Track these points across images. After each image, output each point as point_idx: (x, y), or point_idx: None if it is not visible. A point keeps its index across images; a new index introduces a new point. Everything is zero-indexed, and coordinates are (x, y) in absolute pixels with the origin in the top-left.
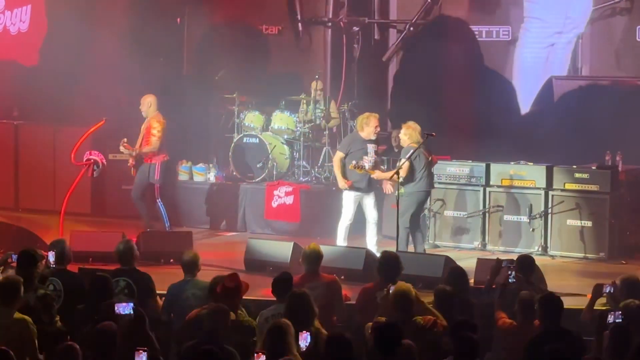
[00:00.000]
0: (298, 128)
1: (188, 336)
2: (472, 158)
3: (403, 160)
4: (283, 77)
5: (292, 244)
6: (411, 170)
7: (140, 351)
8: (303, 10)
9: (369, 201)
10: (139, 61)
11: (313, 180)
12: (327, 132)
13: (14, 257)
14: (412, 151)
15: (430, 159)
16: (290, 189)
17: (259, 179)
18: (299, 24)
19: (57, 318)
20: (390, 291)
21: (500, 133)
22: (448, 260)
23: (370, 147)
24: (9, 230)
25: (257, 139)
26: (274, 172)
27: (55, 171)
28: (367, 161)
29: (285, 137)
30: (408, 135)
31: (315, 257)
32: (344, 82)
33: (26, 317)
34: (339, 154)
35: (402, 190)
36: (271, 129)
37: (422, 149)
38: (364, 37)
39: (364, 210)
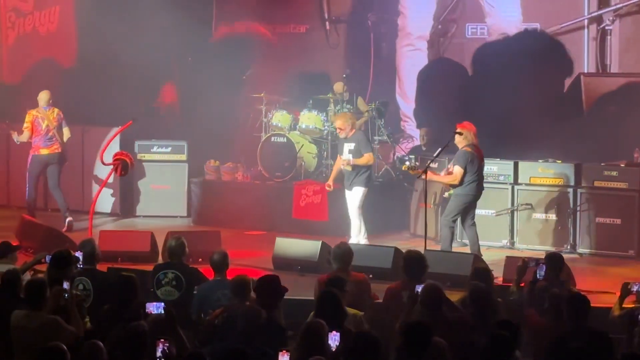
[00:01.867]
0: (326, 127)
1: (210, 337)
2: (500, 156)
3: (451, 164)
4: (311, 76)
5: (320, 242)
6: (464, 174)
7: (161, 341)
8: (330, 9)
9: (348, 198)
10: (167, 60)
11: (341, 179)
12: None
13: (48, 258)
14: (466, 156)
15: (482, 162)
16: (318, 187)
17: (286, 178)
18: (327, 23)
19: (87, 319)
20: (418, 290)
21: (527, 131)
22: (476, 258)
23: (345, 146)
24: (38, 230)
25: (285, 138)
26: (302, 171)
27: (83, 171)
28: (340, 159)
29: (313, 136)
30: (464, 136)
31: (345, 256)
32: (372, 81)
33: (57, 317)
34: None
35: (451, 191)
36: (299, 128)
37: (474, 152)
38: (391, 35)
39: None
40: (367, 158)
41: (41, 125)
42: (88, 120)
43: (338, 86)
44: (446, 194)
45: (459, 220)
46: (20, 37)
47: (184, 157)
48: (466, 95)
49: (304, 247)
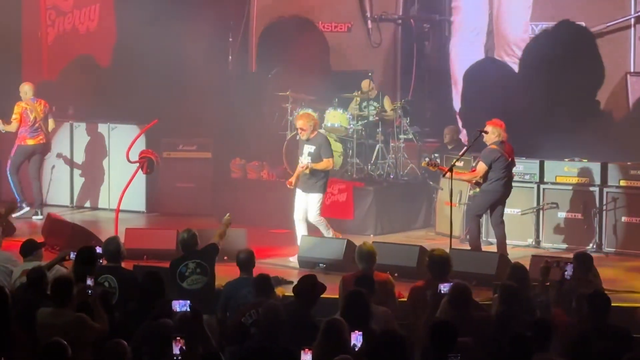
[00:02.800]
0: (351, 125)
1: (238, 335)
2: (526, 155)
3: (479, 161)
4: (344, 74)
5: (345, 241)
6: (489, 172)
7: (178, 340)
8: (373, 7)
9: (299, 199)
10: (193, 60)
11: (366, 178)
12: (380, 129)
13: (73, 255)
14: (492, 154)
15: (510, 160)
16: (343, 186)
17: None
18: (369, 22)
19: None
20: (442, 290)
21: (557, 129)
22: (502, 257)
23: (305, 148)
24: (65, 228)
25: None
26: None
27: (109, 169)
28: (300, 162)
29: (339, 134)
30: (497, 133)
31: (369, 256)
32: (414, 79)
33: (83, 314)
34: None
35: (477, 190)
36: (324, 126)
37: (502, 150)
38: (434, 34)
39: None
40: (326, 163)
41: (29, 116)
42: (114, 118)
43: (365, 84)
44: (471, 192)
45: (487, 218)
46: (60, 35)
47: (209, 154)
48: (509, 94)
49: (329, 245)
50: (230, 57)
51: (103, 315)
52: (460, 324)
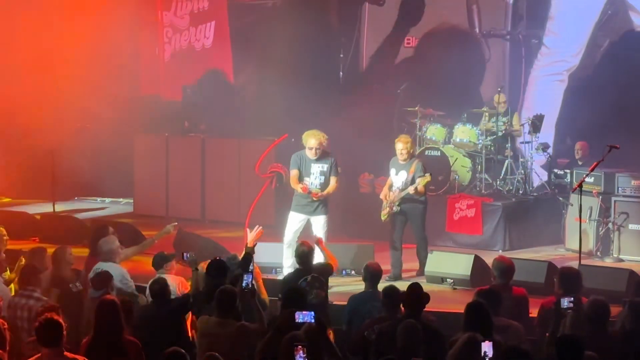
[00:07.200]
0: (480, 141)
1: (359, 348)
2: None
3: (423, 174)
4: (464, 89)
5: (473, 256)
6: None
7: (299, 348)
8: (482, 23)
9: (314, 224)
10: (319, 75)
11: (495, 193)
12: (509, 144)
13: (186, 256)
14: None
15: None
16: (472, 201)
17: (440, 191)
18: (478, 37)
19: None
20: (564, 304)
21: None
22: (632, 274)
23: (315, 167)
24: (195, 242)
25: (439, 152)
26: (456, 185)
27: (240, 183)
28: (309, 183)
29: (467, 149)
30: (413, 148)
31: (507, 270)
32: (523, 94)
33: (245, 323)
34: (294, 172)
35: (398, 207)
36: (453, 141)
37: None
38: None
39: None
40: (334, 183)
41: None
42: (244, 133)
43: (496, 97)
44: (395, 209)
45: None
46: (176, 52)
47: (338, 169)
48: (618, 108)
49: (457, 260)
50: (341, 74)
51: (261, 314)
52: (594, 340)
